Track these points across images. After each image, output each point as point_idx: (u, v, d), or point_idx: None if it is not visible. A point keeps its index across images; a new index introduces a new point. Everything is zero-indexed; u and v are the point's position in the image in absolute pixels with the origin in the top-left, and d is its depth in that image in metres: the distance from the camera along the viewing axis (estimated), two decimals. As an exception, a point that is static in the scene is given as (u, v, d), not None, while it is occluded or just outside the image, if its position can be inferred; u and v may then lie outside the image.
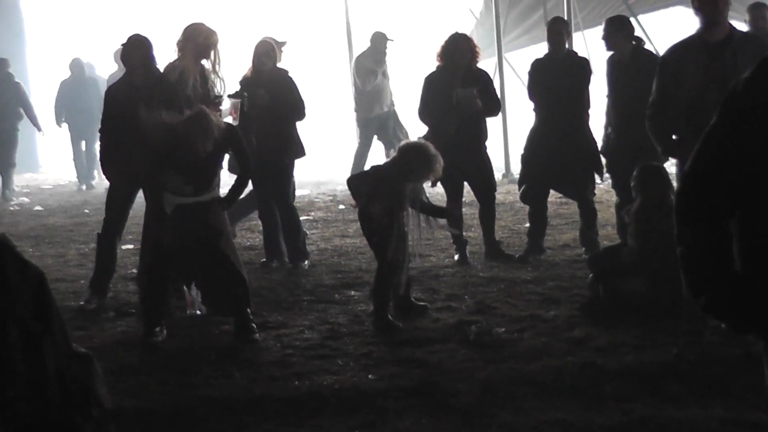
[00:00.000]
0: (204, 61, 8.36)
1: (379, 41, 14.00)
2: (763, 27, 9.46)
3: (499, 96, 11.36)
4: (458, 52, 9.06)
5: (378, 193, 7.11)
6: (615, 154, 8.77)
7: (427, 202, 7.47)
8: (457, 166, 8.92)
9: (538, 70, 9.27)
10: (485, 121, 9.31)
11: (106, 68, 15.43)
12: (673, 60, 6.06)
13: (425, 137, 9.09)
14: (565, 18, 14.63)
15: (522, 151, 9.51)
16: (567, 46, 9.58)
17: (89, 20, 21.71)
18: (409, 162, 7.10)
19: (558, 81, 8.96)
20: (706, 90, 5.84)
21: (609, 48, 8.84)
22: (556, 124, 9.00)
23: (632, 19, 15.69)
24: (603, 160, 9.22)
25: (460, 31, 9.61)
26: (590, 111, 9.26)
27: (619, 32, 8.70)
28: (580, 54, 10.03)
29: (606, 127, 9.08)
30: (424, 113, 9.16)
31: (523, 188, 9.47)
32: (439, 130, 8.96)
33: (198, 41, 8.29)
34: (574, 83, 9.03)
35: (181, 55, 8.28)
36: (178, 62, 8.33)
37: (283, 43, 9.36)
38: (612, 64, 8.86)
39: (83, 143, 17.58)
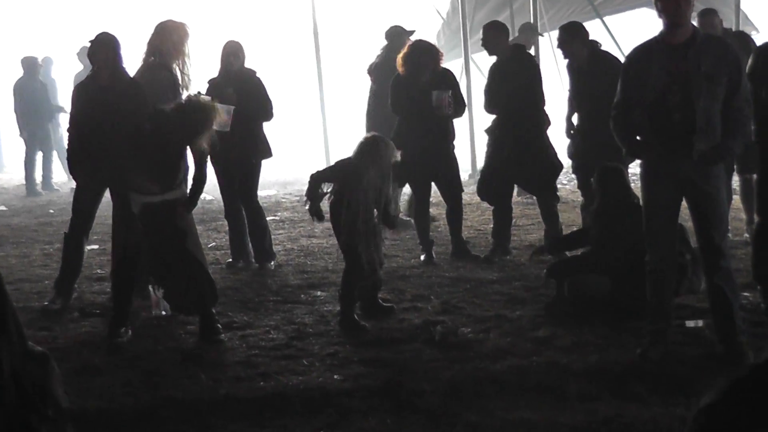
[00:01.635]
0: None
1: (399, 38, 11.22)
2: (712, 34, 9.51)
3: (465, 96, 11.41)
4: (419, 57, 9.09)
5: (341, 183, 7.15)
6: (581, 155, 8.85)
7: (385, 210, 7.43)
8: (424, 167, 8.97)
9: (491, 72, 9.36)
10: (452, 122, 9.36)
11: (70, 67, 15.29)
12: (637, 61, 6.08)
13: (392, 139, 9.12)
14: (531, 18, 14.74)
15: (486, 149, 9.56)
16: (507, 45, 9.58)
17: (43, 16, 21.48)
18: (372, 152, 7.11)
19: (506, 81, 9.04)
20: (669, 91, 5.87)
21: (566, 56, 8.92)
22: (510, 126, 9.12)
23: (598, 21, 15.89)
24: (568, 161, 9.27)
25: (421, 38, 9.64)
26: (546, 108, 9.30)
27: (573, 39, 8.78)
28: (525, 51, 10.00)
29: (568, 130, 9.16)
30: (395, 105, 9.20)
31: (479, 182, 9.52)
32: (406, 131, 9.00)
33: (173, 39, 8.29)
34: (523, 81, 9.11)
35: (155, 55, 8.29)
36: (153, 63, 8.33)
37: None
38: (571, 70, 8.95)
39: (39, 154, 17.27)
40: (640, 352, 6.06)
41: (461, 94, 9.46)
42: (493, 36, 9.20)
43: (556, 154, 9.27)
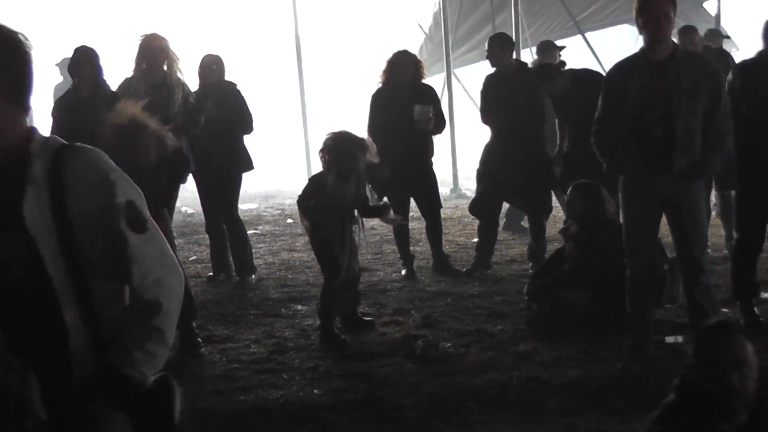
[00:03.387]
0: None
1: (549, 52, 11.01)
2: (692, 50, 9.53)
3: (447, 111, 11.42)
4: (400, 68, 9.07)
5: (316, 196, 7.13)
6: (570, 170, 8.77)
7: (369, 205, 7.43)
8: (403, 182, 8.95)
9: (489, 86, 9.30)
10: (431, 138, 9.33)
11: (48, 78, 15.20)
12: (618, 77, 6.11)
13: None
14: (513, 34, 14.79)
15: (477, 166, 9.53)
16: (514, 59, 9.63)
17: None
18: (331, 148, 7.12)
19: (509, 95, 8.99)
20: (649, 107, 5.90)
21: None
22: (509, 140, 9.03)
23: (579, 36, 15.96)
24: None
25: (402, 49, 9.60)
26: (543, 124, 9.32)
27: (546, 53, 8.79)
28: (528, 65, 10.05)
29: (560, 145, 9.14)
30: (372, 129, 9.14)
31: (473, 199, 9.51)
32: (386, 146, 8.98)
33: (155, 54, 8.28)
34: (527, 96, 9.04)
35: (157, 68, 8.30)
36: (134, 77, 8.34)
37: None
38: (554, 99, 8.89)
39: None
40: (620, 367, 6.07)
41: (442, 111, 9.44)
42: (499, 49, 9.16)
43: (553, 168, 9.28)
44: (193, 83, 9.31)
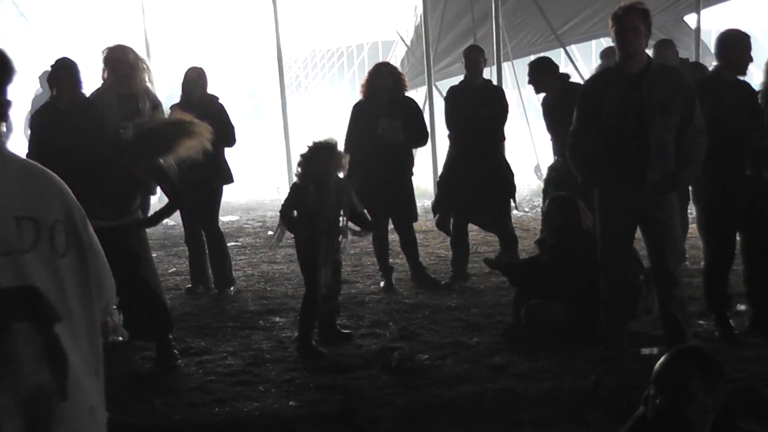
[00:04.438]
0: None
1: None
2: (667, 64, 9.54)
3: (429, 124, 11.40)
4: (379, 80, 9.09)
5: (297, 205, 7.17)
6: (557, 185, 8.79)
7: (358, 212, 7.48)
8: (382, 196, 8.95)
9: (454, 97, 9.33)
10: (411, 152, 9.34)
11: (26, 89, 15.15)
12: (593, 90, 6.16)
13: (351, 166, 9.13)
14: (494, 47, 14.84)
15: (438, 178, 9.57)
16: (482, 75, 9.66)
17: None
18: (306, 158, 7.18)
19: (474, 109, 9.01)
20: (623, 120, 5.94)
21: (537, 91, 8.94)
22: (470, 152, 9.06)
23: (561, 50, 16.01)
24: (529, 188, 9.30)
25: (382, 61, 9.61)
26: (505, 141, 9.36)
27: (543, 73, 8.82)
28: (494, 84, 10.09)
29: (555, 159, 9.16)
30: (351, 141, 9.14)
31: (437, 216, 9.52)
32: (363, 159, 9.00)
33: (117, 65, 8.32)
34: (491, 112, 9.08)
35: (126, 77, 8.33)
36: (103, 89, 8.37)
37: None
38: (546, 105, 8.95)
39: None
40: (595, 379, 6.09)
41: (423, 124, 9.42)
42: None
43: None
44: (175, 96, 9.35)
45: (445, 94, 9.72)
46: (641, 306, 7.13)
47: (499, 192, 9.20)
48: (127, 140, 6.87)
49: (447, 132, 9.46)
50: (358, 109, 9.24)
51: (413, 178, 9.45)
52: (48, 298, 2.56)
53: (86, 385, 2.62)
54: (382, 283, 9.35)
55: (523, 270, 7.68)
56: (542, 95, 9.08)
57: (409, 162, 9.32)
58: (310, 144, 7.26)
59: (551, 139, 9.21)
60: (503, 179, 9.21)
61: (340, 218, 7.31)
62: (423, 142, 9.55)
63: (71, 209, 2.68)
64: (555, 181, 8.87)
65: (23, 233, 2.54)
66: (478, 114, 8.98)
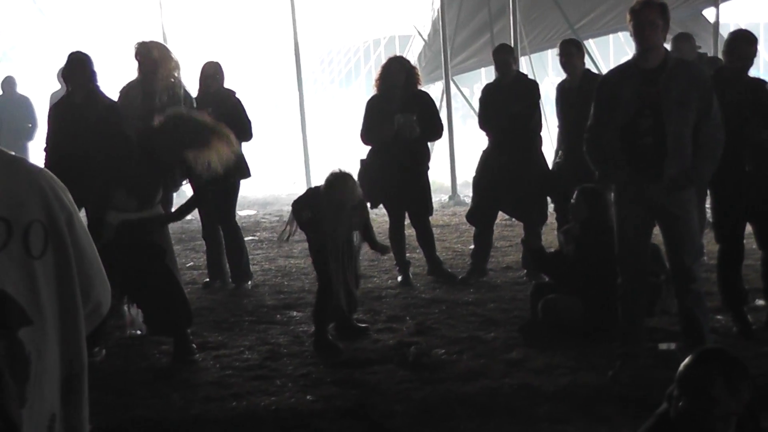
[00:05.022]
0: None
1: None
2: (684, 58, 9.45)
3: (445, 118, 11.40)
4: (392, 74, 9.09)
5: (311, 209, 7.22)
6: (562, 178, 8.80)
7: (370, 234, 7.53)
8: (398, 190, 8.95)
9: (488, 95, 9.33)
10: (426, 145, 9.33)
11: (48, 86, 15.16)
12: (610, 85, 6.13)
13: (366, 160, 9.14)
14: (512, 42, 14.80)
15: (474, 174, 9.55)
16: (515, 69, 9.64)
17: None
18: (324, 191, 7.21)
19: (507, 105, 8.99)
20: (640, 115, 5.92)
21: (565, 67, 8.87)
22: (507, 148, 9.03)
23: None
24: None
25: (396, 55, 9.59)
26: (542, 133, 9.33)
27: (576, 55, 8.79)
28: (528, 76, 10.07)
29: (557, 152, 9.15)
30: (366, 136, 9.16)
31: (470, 208, 9.50)
32: (378, 152, 9.02)
33: (146, 62, 8.36)
34: (523, 106, 9.06)
35: (150, 74, 8.37)
36: (132, 85, 8.42)
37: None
38: (562, 90, 8.92)
39: None
40: (611, 375, 6.08)
41: (438, 117, 9.42)
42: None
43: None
44: (192, 90, 9.37)
45: (465, 90, 9.69)
46: (660, 305, 7.11)
47: (535, 187, 9.11)
48: (161, 124, 6.81)
49: (480, 131, 9.42)
50: (372, 103, 9.24)
51: (429, 173, 9.44)
52: (16, 301, 2.45)
53: (49, 392, 2.53)
54: (399, 278, 9.35)
55: (550, 258, 7.62)
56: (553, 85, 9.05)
57: (425, 156, 9.31)
58: (337, 173, 7.29)
59: (558, 130, 9.17)
60: (539, 175, 9.12)
61: (354, 240, 7.39)
62: (438, 136, 9.52)
63: (53, 208, 2.55)
64: (557, 175, 8.86)
65: None
66: (509, 111, 8.95)
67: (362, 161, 9.19)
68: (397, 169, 8.91)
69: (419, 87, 9.33)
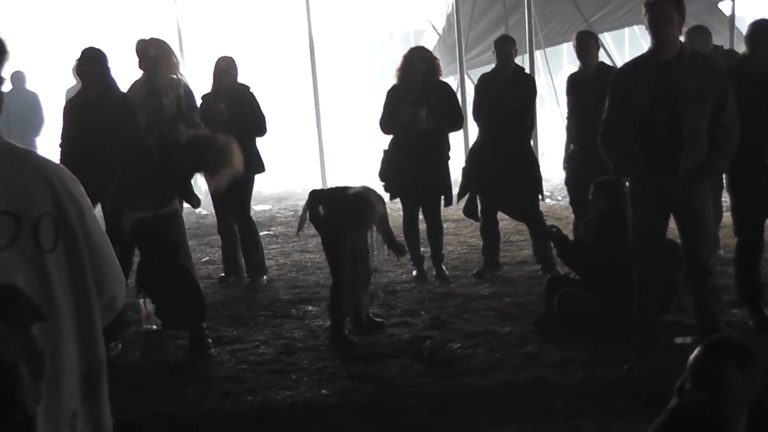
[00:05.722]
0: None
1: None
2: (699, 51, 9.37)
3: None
4: (412, 64, 9.07)
5: (327, 205, 7.24)
6: (577, 171, 8.75)
7: (389, 235, 7.56)
8: (416, 182, 8.94)
9: (485, 86, 9.29)
10: (446, 136, 9.28)
11: (59, 82, 15.17)
12: (625, 78, 6.12)
13: (388, 150, 9.12)
14: (527, 36, 14.78)
15: (464, 164, 9.52)
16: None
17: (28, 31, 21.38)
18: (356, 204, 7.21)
19: (503, 98, 8.96)
20: (655, 108, 5.90)
21: (582, 58, 8.82)
22: (497, 141, 9.00)
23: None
24: (565, 175, 9.21)
25: (418, 45, 9.56)
26: (532, 131, 9.30)
27: (593, 46, 8.75)
28: (526, 71, 10.02)
29: (568, 145, 9.11)
30: (385, 125, 9.15)
31: (465, 202, 9.46)
32: (396, 141, 9.02)
33: (145, 60, 8.39)
34: (520, 102, 9.04)
35: (151, 72, 8.38)
36: (137, 83, 8.44)
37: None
38: (574, 81, 8.88)
39: None
40: (626, 369, 6.07)
41: (458, 108, 9.34)
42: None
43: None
44: (206, 85, 9.39)
45: (476, 82, 9.67)
46: (675, 302, 7.09)
47: (525, 185, 9.12)
48: (181, 145, 6.93)
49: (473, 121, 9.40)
50: (391, 93, 9.22)
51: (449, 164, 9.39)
52: (29, 296, 2.44)
53: (68, 389, 2.52)
54: (414, 272, 9.35)
55: (573, 246, 7.59)
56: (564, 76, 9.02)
57: (444, 147, 9.25)
58: (364, 191, 7.30)
59: (567, 123, 9.12)
60: (528, 173, 9.13)
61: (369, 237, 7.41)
62: (458, 126, 9.45)
63: (63, 201, 2.54)
64: (574, 172, 8.81)
65: (1, 229, 2.42)
66: (504, 105, 8.93)
67: (385, 152, 9.18)
68: (415, 161, 8.89)
69: (440, 78, 9.31)
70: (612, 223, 7.13)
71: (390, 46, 27.67)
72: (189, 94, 8.67)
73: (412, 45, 11.74)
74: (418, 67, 9.04)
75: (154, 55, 8.40)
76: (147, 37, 8.60)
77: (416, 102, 8.89)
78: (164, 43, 8.68)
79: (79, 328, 2.56)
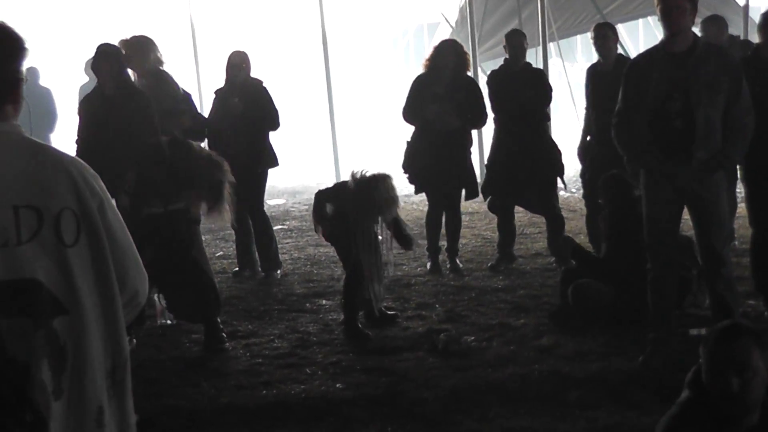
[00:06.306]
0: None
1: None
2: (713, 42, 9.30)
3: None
4: (441, 55, 9.07)
5: (335, 201, 7.32)
6: (594, 164, 8.69)
7: (399, 226, 7.53)
8: (441, 174, 8.94)
9: (496, 81, 9.27)
10: (468, 131, 9.25)
11: (72, 78, 15.19)
12: (638, 69, 6.09)
13: (411, 141, 9.12)
14: (540, 28, 14.75)
15: (486, 161, 9.53)
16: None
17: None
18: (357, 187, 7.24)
19: (516, 92, 8.96)
20: (669, 99, 5.87)
21: (600, 51, 8.77)
22: (515, 135, 9.02)
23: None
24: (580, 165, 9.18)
25: (450, 38, 9.55)
26: (549, 122, 9.29)
27: (611, 38, 8.71)
28: (535, 67, 10.02)
29: (585, 137, 9.05)
30: (408, 114, 9.13)
31: (489, 199, 9.46)
32: (419, 130, 9.02)
33: (144, 54, 8.44)
34: (534, 94, 9.03)
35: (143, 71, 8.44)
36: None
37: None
38: (593, 73, 8.84)
39: None
40: (642, 360, 6.06)
41: (483, 105, 9.29)
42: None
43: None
44: (219, 80, 9.40)
45: (486, 79, 9.67)
46: (690, 300, 7.08)
47: (546, 173, 9.13)
48: (200, 155, 7.08)
49: (492, 116, 9.37)
50: (417, 82, 9.20)
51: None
52: (50, 290, 2.43)
53: (92, 384, 2.51)
54: (428, 265, 9.34)
55: (591, 259, 7.59)
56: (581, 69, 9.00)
57: (466, 140, 9.23)
58: (371, 177, 7.29)
59: (585, 114, 9.08)
60: (550, 159, 9.14)
61: (378, 231, 7.43)
62: (482, 123, 9.44)
63: (84, 196, 2.53)
64: (591, 165, 8.77)
65: (22, 223, 2.42)
66: (521, 96, 8.92)
67: (408, 143, 9.18)
68: (438, 153, 8.88)
69: (468, 72, 9.29)
70: (624, 216, 7.11)
71: (403, 39, 27.67)
72: (187, 97, 8.73)
73: (426, 38, 11.74)
74: (447, 59, 9.04)
75: (128, 54, 8.35)
76: (129, 36, 8.62)
77: (443, 98, 8.88)
78: (139, 41, 8.63)
79: (102, 323, 2.55)
